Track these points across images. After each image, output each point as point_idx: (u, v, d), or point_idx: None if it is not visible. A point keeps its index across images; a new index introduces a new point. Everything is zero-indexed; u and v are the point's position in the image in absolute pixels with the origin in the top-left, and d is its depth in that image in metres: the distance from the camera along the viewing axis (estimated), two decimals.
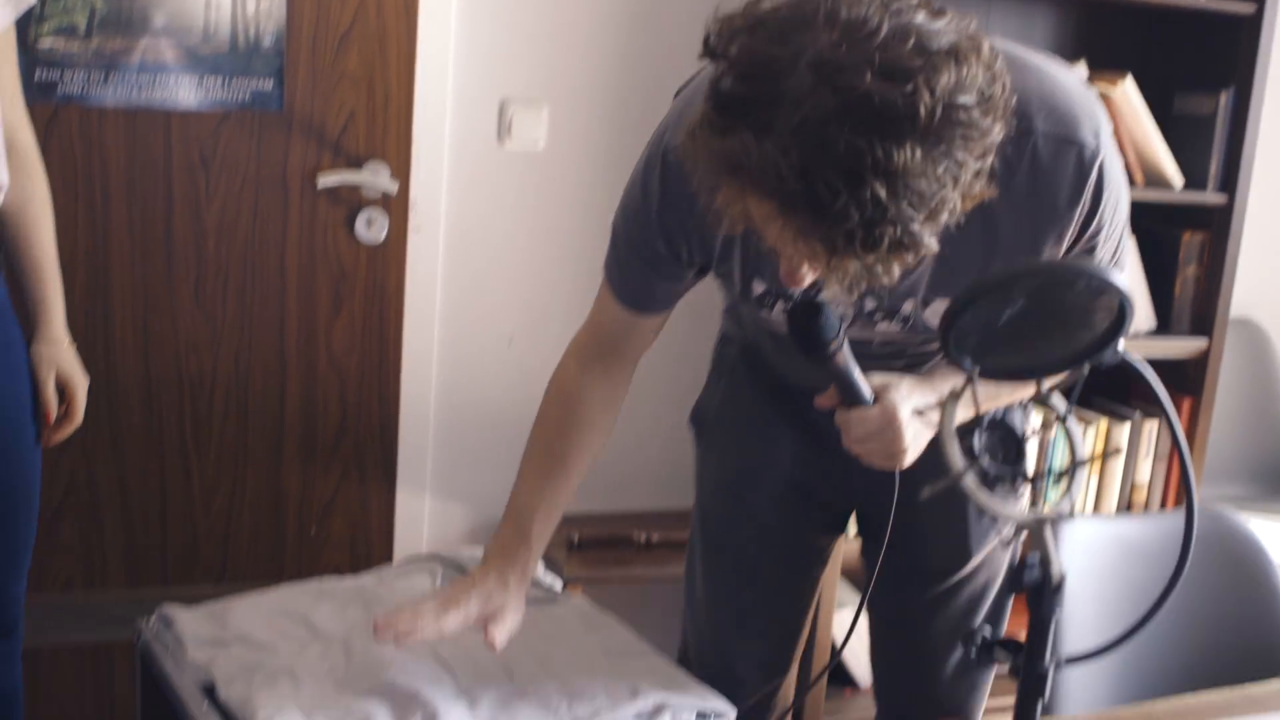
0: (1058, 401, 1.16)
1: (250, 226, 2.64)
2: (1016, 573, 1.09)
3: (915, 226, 1.08)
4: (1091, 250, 1.44)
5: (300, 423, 2.75)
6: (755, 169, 1.07)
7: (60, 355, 2.03)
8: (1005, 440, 1.15)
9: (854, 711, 2.90)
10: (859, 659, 2.93)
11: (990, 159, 1.11)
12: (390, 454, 2.82)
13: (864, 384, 1.45)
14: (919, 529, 1.75)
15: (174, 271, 2.61)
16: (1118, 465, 3.00)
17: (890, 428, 1.42)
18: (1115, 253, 1.50)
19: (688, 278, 1.60)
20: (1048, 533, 1.10)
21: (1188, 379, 2.97)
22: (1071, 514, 1.13)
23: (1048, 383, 1.16)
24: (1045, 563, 1.09)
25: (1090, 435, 2.93)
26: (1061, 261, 1.30)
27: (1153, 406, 2.98)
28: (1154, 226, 2.98)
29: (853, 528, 1.95)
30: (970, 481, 1.10)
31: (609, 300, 1.66)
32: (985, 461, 1.11)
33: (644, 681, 1.75)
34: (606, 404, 1.74)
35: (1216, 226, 2.95)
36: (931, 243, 1.11)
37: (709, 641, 2.02)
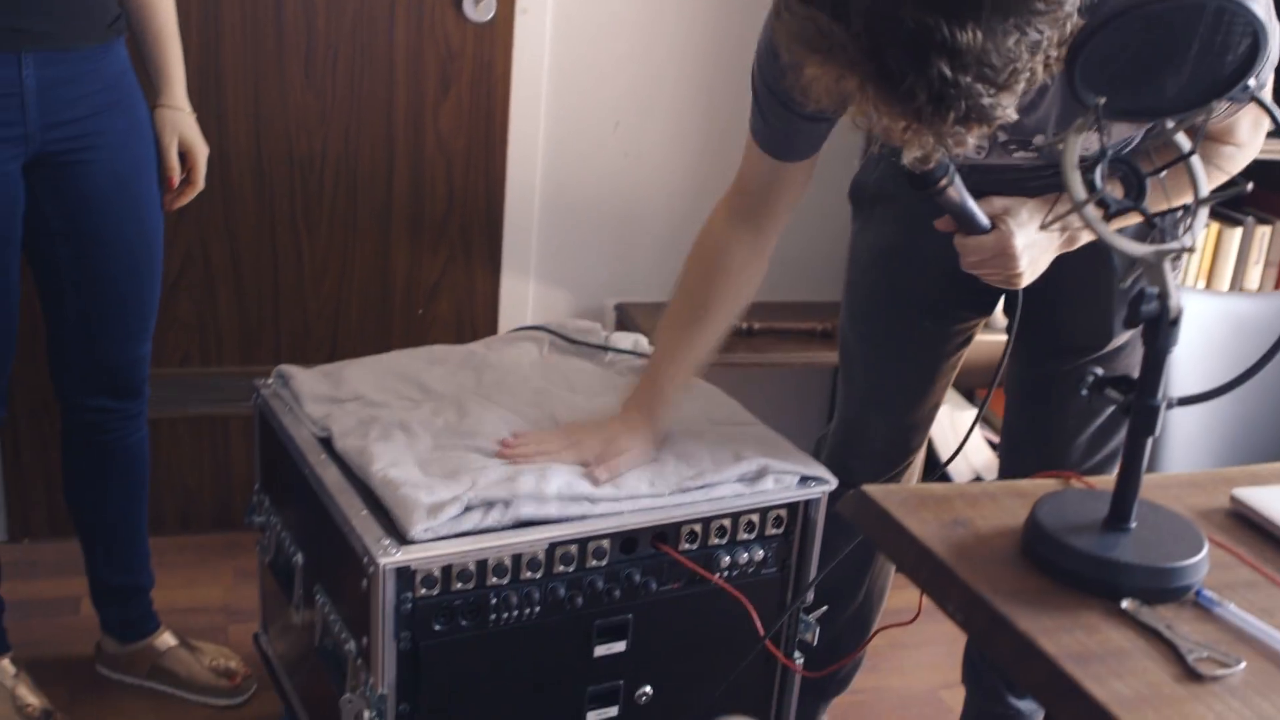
0: (1181, 140, 1.14)
1: (359, 4, 2.64)
2: (1134, 304, 1.09)
3: (986, 100, 1.10)
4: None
5: (408, 204, 2.78)
6: (833, 49, 1.11)
7: (182, 121, 2.07)
8: (1127, 177, 1.15)
9: None
10: (957, 465, 2.95)
11: (1073, 21, 1.10)
12: (496, 236, 2.85)
13: (979, 213, 1.49)
14: (1063, 304, 1.76)
15: (284, 48, 2.62)
16: (1225, 271, 2.96)
17: (1004, 254, 1.50)
18: None
19: (826, 119, 1.59)
20: (1167, 267, 1.10)
21: None
22: (1192, 250, 1.12)
23: (1173, 122, 1.15)
24: (1163, 296, 1.09)
25: (1202, 239, 2.89)
26: None
27: (1267, 214, 2.92)
28: None
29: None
30: (1090, 212, 1.10)
31: (753, 152, 1.66)
32: (1107, 193, 1.10)
33: (748, 447, 1.79)
34: (751, 258, 1.74)
35: None
36: (1008, 112, 1.13)
37: (841, 419, 2.02)
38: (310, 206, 2.73)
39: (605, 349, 2.08)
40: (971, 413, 2.95)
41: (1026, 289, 1.61)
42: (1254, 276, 2.97)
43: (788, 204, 1.69)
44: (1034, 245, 1.51)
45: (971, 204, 1.49)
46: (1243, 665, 1.02)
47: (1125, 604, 1.09)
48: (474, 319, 2.89)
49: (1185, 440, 1.63)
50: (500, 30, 2.71)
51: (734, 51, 2.86)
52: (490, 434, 1.75)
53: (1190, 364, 1.66)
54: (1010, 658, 1.07)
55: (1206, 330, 1.69)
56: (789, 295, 3.05)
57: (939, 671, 2.53)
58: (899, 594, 2.10)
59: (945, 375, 1.95)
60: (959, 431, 2.86)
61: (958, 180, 1.45)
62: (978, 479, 2.93)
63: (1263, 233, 2.92)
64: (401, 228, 2.80)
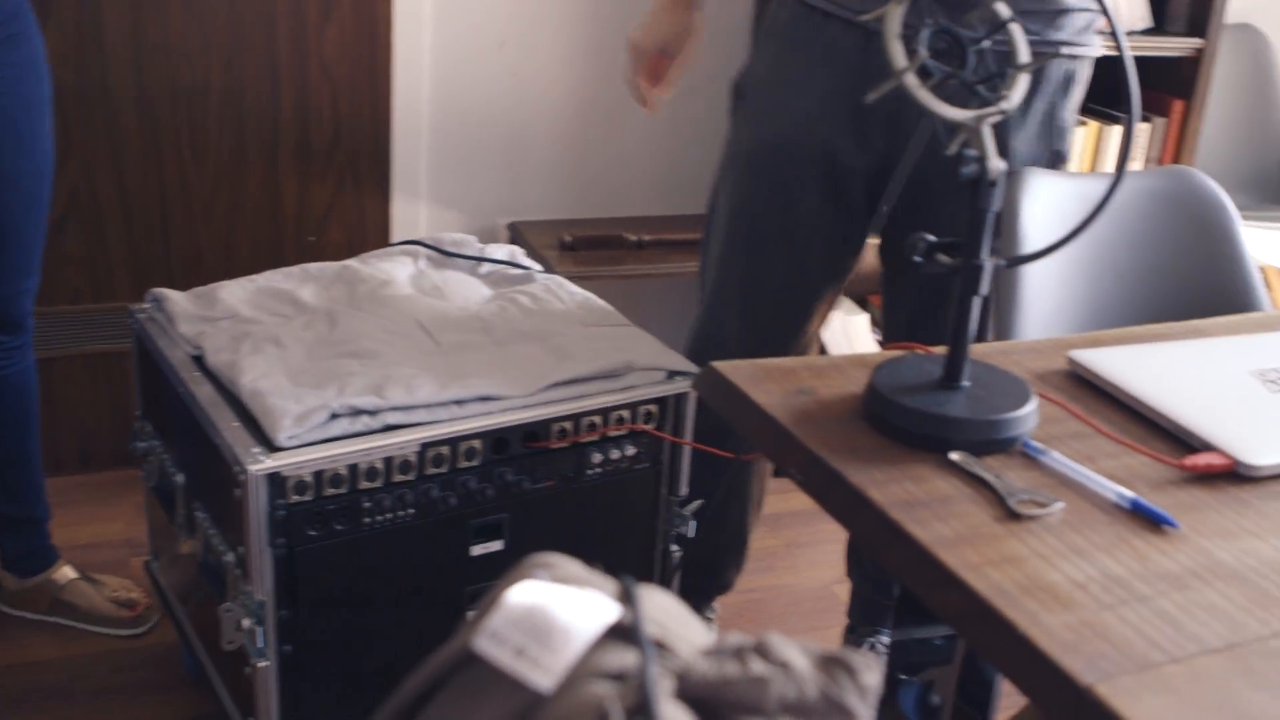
0: (1001, 8, 1.17)
1: None
2: (954, 165, 1.12)
3: None
4: None
5: (295, 132, 2.76)
6: None
7: None
8: (950, 45, 1.17)
9: None
10: None
11: None
12: (384, 161, 2.84)
13: None
14: (927, 208, 1.77)
15: None
16: (1107, 168, 3.00)
17: None
18: None
19: None
20: (985, 130, 1.13)
21: (1180, 81, 2.95)
22: (1008, 114, 1.15)
23: None
24: (983, 159, 1.12)
25: (1081, 136, 2.93)
26: None
27: (1146, 112, 2.97)
28: None
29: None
30: (911, 80, 1.12)
31: None
32: (928, 60, 1.12)
33: (616, 344, 1.81)
34: None
35: None
36: None
37: (710, 321, 2.00)
38: (196, 137, 2.71)
39: (480, 260, 2.09)
40: (864, 317, 2.99)
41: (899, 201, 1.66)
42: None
43: None
44: None
45: None
46: (1060, 505, 1.06)
47: (954, 455, 1.12)
48: (366, 244, 2.89)
49: (1040, 317, 1.66)
50: None
51: None
52: (360, 343, 1.76)
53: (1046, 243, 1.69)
54: (845, 512, 1.10)
55: (1063, 212, 1.73)
56: (677, 209, 3.07)
57: (833, 569, 2.58)
58: (797, 496, 2.14)
59: (826, 284, 1.94)
60: (850, 336, 2.91)
61: None
62: None
63: (1142, 129, 2.97)
64: (289, 156, 2.78)
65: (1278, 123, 3.55)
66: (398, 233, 2.89)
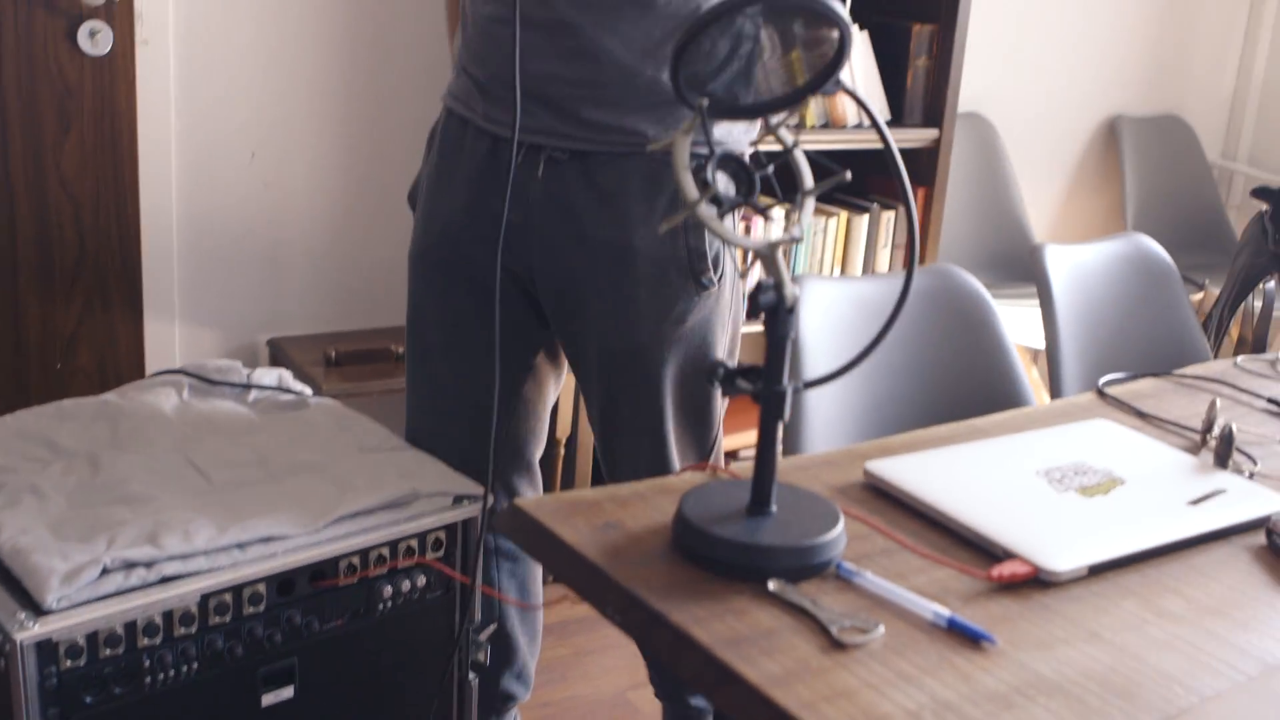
0: (785, 135, 1.19)
1: None
2: (753, 296, 1.13)
3: None
4: None
5: (35, 253, 2.62)
6: None
7: None
8: (737, 173, 1.18)
9: None
10: None
11: None
12: (134, 279, 2.71)
13: None
14: (593, 306, 1.77)
15: None
16: (857, 258, 3.11)
17: None
18: None
19: None
20: (779, 257, 1.14)
21: (921, 169, 3.08)
22: (800, 239, 1.17)
23: (776, 118, 1.20)
24: (779, 285, 1.13)
25: (832, 226, 3.03)
26: None
27: (890, 200, 3.10)
28: (885, 20, 3.05)
29: None
30: (704, 211, 1.13)
31: None
32: (719, 189, 1.13)
33: (399, 470, 1.76)
34: None
35: (944, 18, 3.04)
36: None
37: (412, 419, 1.99)
38: None
39: (249, 386, 2.01)
40: None
41: (553, 276, 1.73)
42: (883, 260, 3.14)
43: None
44: None
45: None
46: (881, 629, 1.06)
47: (771, 585, 1.12)
48: (118, 368, 2.75)
49: (824, 424, 1.70)
50: (121, 64, 2.59)
51: (367, 75, 2.82)
52: (126, 487, 1.66)
53: (823, 349, 1.73)
54: (669, 652, 1.08)
55: (838, 315, 1.77)
56: None
57: (626, 674, 2.55)
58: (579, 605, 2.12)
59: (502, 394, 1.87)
60: None
61: None
62: None
63: (888, 217, 3.09)
64: (30, 277, 2.63)
65: (1010, 202, 3.75)
66: (151, 354, 2.77)
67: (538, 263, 1.79)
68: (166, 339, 2.77)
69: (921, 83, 3.07)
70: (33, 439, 1.82)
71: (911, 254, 1.21)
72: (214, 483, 1.70)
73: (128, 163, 2.65)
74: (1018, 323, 2.92)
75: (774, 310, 1.14)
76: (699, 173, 1.14)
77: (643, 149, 1.70)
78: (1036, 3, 3.83)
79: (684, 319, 1.77)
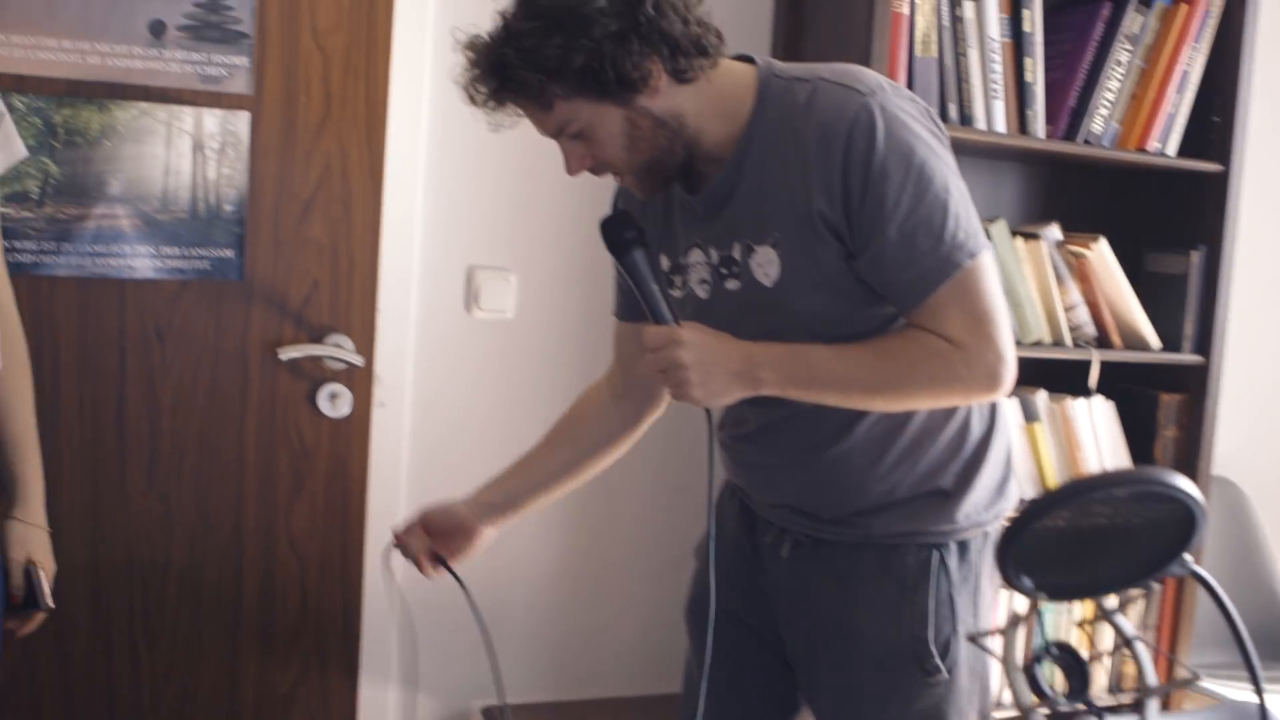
0: (1124, 623, 1.06)
1: (208, 402, 2.52)
2: None
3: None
4: (879, 229, 1.51)
5: (258, 610, 2.60)
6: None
7: (34, 538, 1.91)
8: (1069, 666, 1.06)
9: None
10: None
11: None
12: (353, 645, 2.66)
13: (664, 306, 1.58)
14: (824, 679, 1.80)
15: (126, 451, 2.47)
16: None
17: (672, 343, 1.54)
18: (935, 241, 1.51)
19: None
20: None
21: None
22: None
23: (1112, 600, 1.07)
24: None
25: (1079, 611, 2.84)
26: (1117, 471, 1.22)
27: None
28: (1133, 388, 2.93)
29: None
30: (1039, 716, 1.00)
31: (616, 323, 1.93)
32: (1053, 694, 1.01)
33: None
34: (609, 413, 1.97)
35: (1194, 387, 2.92)
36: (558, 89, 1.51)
37: None
38: (151, 616, 2.54)
39: None
40: None
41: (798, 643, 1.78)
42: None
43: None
44: (705, 348, 1.54)
45: (658, 291, 1.58)
46: None
47: None
48: None
49: None
50: (357, 426, 2.61)
51: None
52: None
53: None
54: None
55: None
56: (658, 688, 2.90)
57: None
58: None
59: None
60: None
61: (643, 260, 1.58)
62: None
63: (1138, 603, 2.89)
64: (251, 636, 2.60)
65: (1264, 574, 3.51)
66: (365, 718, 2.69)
67: (784, 634, 1.85)
68: (380, 704, 2.69)
69: (1171, 452, 2.92)
70: None
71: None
72: None
73: (355, 524, 2.64)
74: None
75: None
76: (1030, 669, 1.02)
77: (874, 538, 1.72)
78: None
79: (909, 704, 1.71)
